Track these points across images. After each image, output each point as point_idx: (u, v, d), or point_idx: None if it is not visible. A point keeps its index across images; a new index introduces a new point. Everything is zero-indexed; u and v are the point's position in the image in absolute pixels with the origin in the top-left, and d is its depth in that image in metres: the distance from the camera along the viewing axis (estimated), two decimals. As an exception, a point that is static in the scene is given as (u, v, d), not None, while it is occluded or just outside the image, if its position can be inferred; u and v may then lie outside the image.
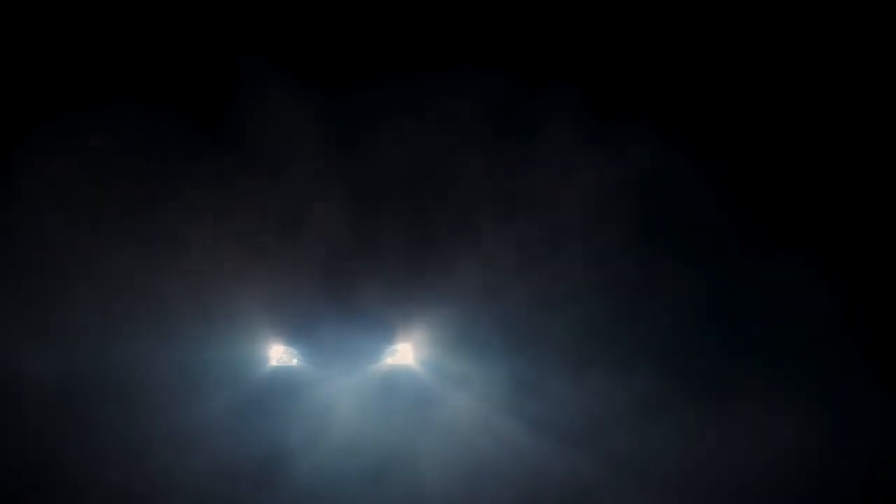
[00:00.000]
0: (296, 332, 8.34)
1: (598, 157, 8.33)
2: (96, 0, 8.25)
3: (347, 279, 8.37)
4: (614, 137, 8.31)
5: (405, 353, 8.48)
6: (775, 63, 8.53)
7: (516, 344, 8.47)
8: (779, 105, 8.54)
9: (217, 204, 8.24)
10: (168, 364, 8.06)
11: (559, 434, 8.32)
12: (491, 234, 8.41)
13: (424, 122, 8.34)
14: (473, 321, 8.43)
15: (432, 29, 8.40)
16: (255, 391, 8.27)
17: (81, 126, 8.06)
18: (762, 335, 8.38)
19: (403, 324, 8.41)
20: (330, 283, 8.37)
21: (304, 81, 8.27)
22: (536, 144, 8.36)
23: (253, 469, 8.10)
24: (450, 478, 8.11)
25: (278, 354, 8.36)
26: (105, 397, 8.00)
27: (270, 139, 8.32)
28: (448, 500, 8.06)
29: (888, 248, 8.45)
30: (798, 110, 8.52)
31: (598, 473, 8.18)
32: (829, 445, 8.05)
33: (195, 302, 8.09)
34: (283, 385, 8.32)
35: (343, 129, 8.37)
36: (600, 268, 8.45)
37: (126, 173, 8.16)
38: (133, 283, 8.05)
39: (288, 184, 8.34)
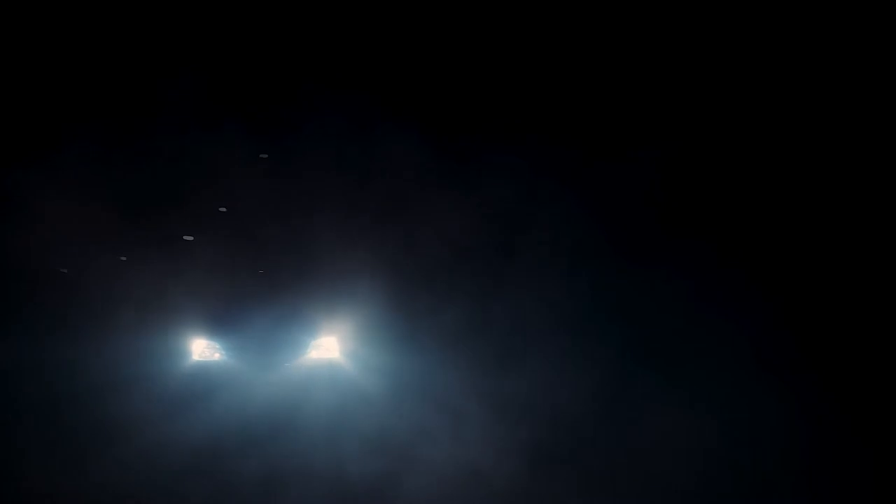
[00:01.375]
0: (218, 326, 8.27)
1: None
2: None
3: (271, 272, 8.35)
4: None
5: (330, 346, 8.43)
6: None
7: (443, 337, 8.47)
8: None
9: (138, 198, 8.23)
10: (84, 358, 7.98)
11: (486, 428, 8.28)
12: (413, 228, 8.45)
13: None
14: (399, 315, 8.43)
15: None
16: (177, 386, 8.18)
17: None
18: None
19: (328, 317, 8.38)
20: (253, 276, 8.35)
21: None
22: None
23: (175, 464, 7.98)
24: (373, 471, 8.03)
25: (200, 349, 8.28)
26: (20, 393, 7.90)
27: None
28: (371, 491, 7.98)
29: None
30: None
31: (519, 467, 8.14)
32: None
33: (113, 295, 8.04)
34: (204, 380, 8.23)
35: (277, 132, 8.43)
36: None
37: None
38: (50, 278, 8.00)
39: (212, 178, 8.35)
